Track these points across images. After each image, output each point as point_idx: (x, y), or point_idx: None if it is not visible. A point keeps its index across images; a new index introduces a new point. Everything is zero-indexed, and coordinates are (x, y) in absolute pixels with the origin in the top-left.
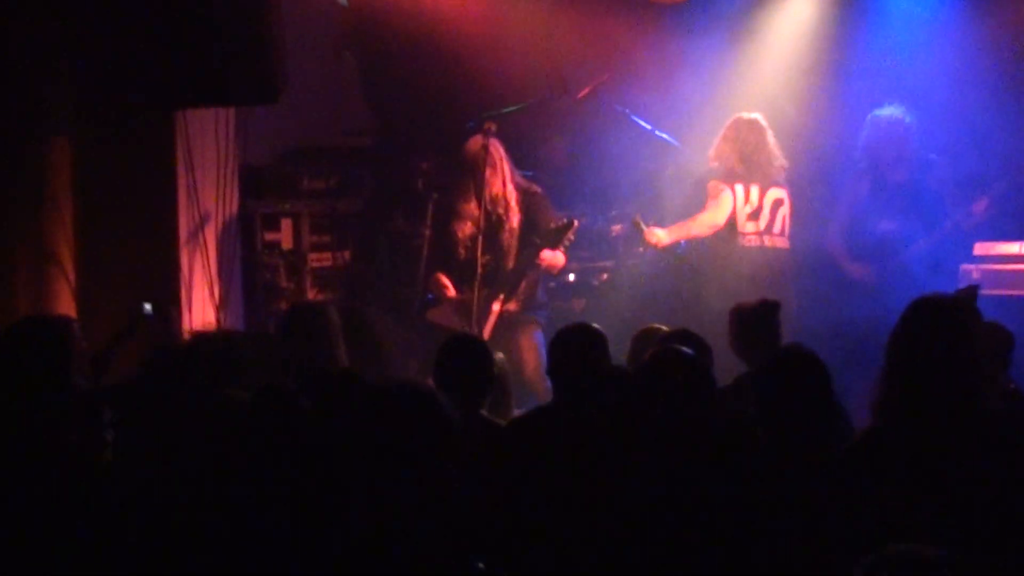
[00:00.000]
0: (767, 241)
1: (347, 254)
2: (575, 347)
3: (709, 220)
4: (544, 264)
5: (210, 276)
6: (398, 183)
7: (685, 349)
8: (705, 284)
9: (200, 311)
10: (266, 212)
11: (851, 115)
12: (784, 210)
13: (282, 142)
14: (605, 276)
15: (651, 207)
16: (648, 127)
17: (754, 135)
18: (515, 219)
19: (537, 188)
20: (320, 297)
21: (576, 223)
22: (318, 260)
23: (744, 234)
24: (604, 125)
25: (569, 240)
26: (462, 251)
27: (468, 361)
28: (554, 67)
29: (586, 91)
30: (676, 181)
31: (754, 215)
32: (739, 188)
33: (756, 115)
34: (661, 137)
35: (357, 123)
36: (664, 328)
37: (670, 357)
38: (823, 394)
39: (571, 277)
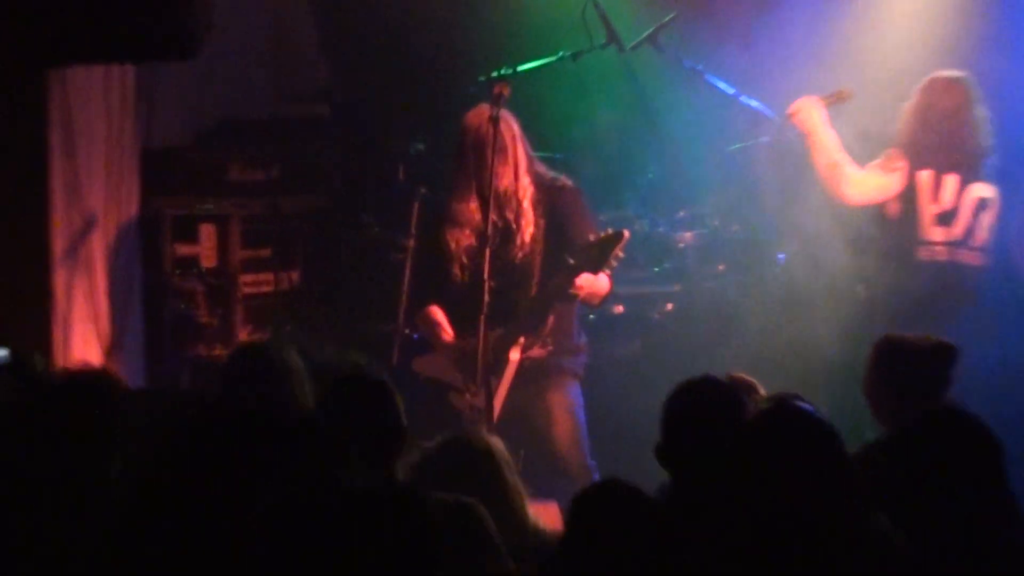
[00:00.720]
0: (960, 255)
1: (295, 275)
2: (706, 412)
3: (876, 182)
4: (581, 293)
5: (96, 307)
6: (369, 173)
7: (808, 407)
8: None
9: (82, 357)
10: (178, 215)
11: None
12: (988, 216)
13: (202, 115)
14: (669, 306)
15: (736, 206)
16: (731, 91)
17: (954, 102)
18: (530, 227)
19: (567, 181)
20: (261, 337)
21: (626, 234)
22: (254, 284)
23: (929, 243)
24: (668, 88)
25: (617, 258)
26: (459, 272)
27: (363, 410)
28: (596, 6)
29: (642, 39)
30: (773, 166)
31: (945, 217)
32: (925, 176)
33: (960, 74)
34: (749, 105)
35: (310, 86)
36: (755, 386)
37: (787, 426)
38: (994, 481)
39: (619, 308)
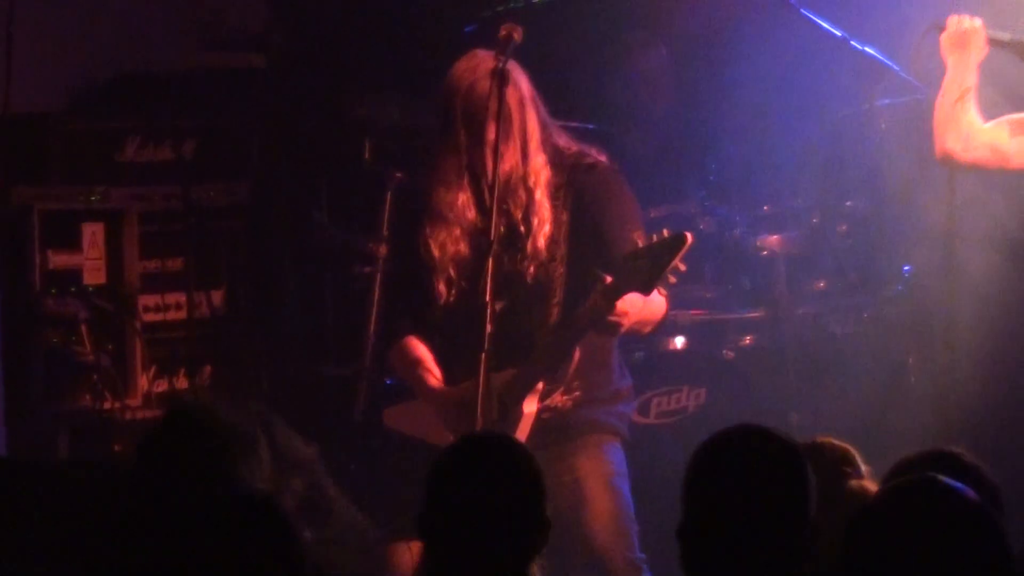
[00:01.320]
0: None
1: (216, 296)
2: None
3: (990, 138)
4: (625, 323)
5: None
6: (322, 151)
7: (957, 485)
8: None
9: None
10: (50, 211)
11: None
12: None
13: (84, 69)
14: (748, 340)
15: (844, 198)
16: (838, 33)
17: None
18: (546, 226)
19: (599, 157)
20: (166, 387)
21: (689, 238)
22: (159, 309)
23: None
24: (746, 31)
25: (676, 271)
26: (445, 290)
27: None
28: None
29: None
30: (898, 140)
31: None
32: None
33: None
34: (864, 53)
35: (239, 28)
36: (851, 455)
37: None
38: None
39: (678, 343)
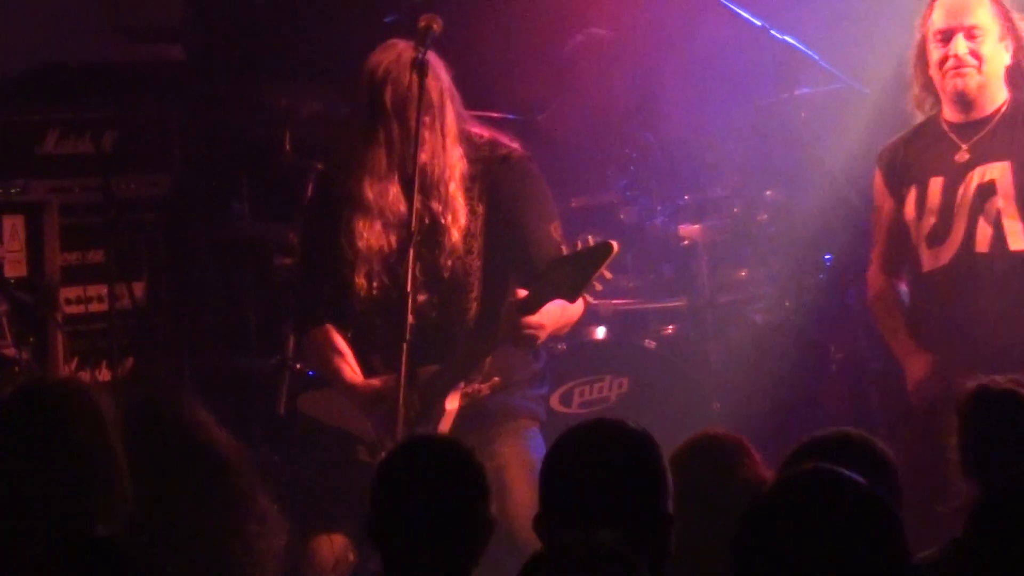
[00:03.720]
0: None
1: (138, 288)
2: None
3: None
4: (542, 336)
5: None
6: (242, 143)
7: (847, 474)
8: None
9: None
10: None
11: None
12: None
13: (0, 62)
14: (670, 329)
15: (765, 187)
16: (757, 23)
17: None
18: (461, 220)
19: (513, 147)
20: (86, 377)
21: (615, 247)
22: (80, 301)
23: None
24: (668, 20)
25: (602, 279)
26: (364, 283)
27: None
28: None
29: None
30: (819, 129)
31: None
32: None
33: None
34: (784, 42)
35: (157, 20)
36: (741, 444)
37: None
38: None
39: (598, 333)
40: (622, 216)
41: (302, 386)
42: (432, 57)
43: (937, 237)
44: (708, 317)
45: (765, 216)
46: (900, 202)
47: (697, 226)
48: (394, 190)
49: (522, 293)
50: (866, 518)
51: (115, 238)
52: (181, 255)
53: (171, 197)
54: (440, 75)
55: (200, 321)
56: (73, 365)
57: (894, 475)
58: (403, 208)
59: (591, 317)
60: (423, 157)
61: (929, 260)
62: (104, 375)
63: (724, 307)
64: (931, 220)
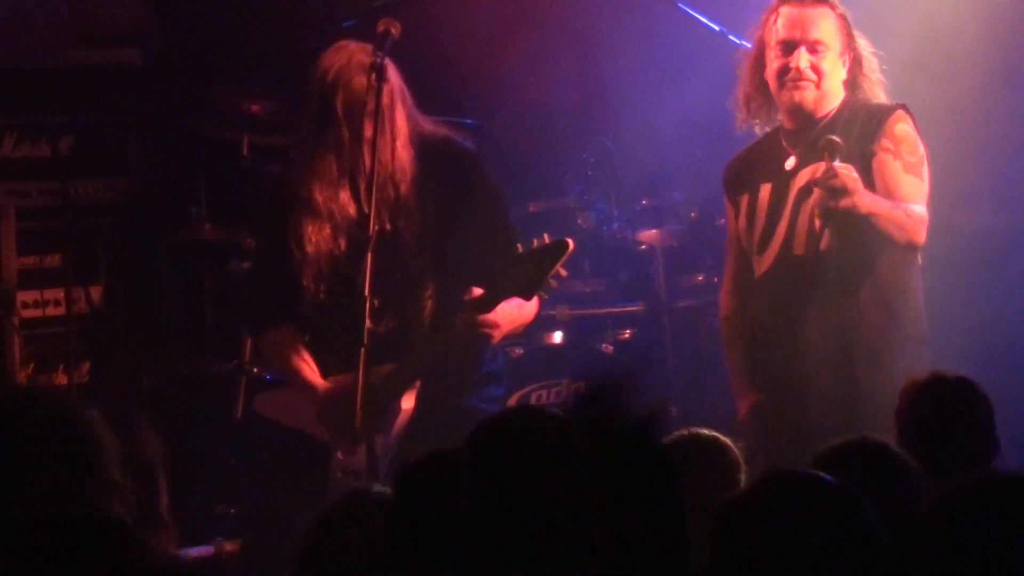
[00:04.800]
0: None
1: (95, 292)
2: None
3: (923, 207)
4: (497, 335)
5: None
6: (199, 147)
7: (826, 478)
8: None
9: None
10: None
11: None
12: None
13: None
14: (627, 334)
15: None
16: (716, 27)
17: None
18: (414, 222)
19: (462, 144)
20: (45, 382)
21: (571, 245)
22: (37, 305)
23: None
24: (625, 24)
25: (558, 277)
26: (312, 285)
27: None
28: None
29: None
30: None
31: None
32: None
33: None
34: (743, 47)
35: (115, 24)
36: (718, 439)
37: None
38: None
39: (555, 338)
40: (579, 221)
41: (259, 390)
42: (391, 65)
43: (763, 243)
44: (665, 322)
45: (722, 221)
46: (736, 212)
47: (654, 231)
48: (344, 194)
49: (477, 291)
50: (837, 517)
51: (72, 242)
52: (138, 259)
53: (128, 201)
54: (390, 76)
55: (157, 325)
56: (30, 369)
57: (914, 480)
58: (352, 211)
59: (549, 322)
60: (381, 157)
61: (758, 266)
62: (61, 379)
63: (681, 312)
64: (759, 226)
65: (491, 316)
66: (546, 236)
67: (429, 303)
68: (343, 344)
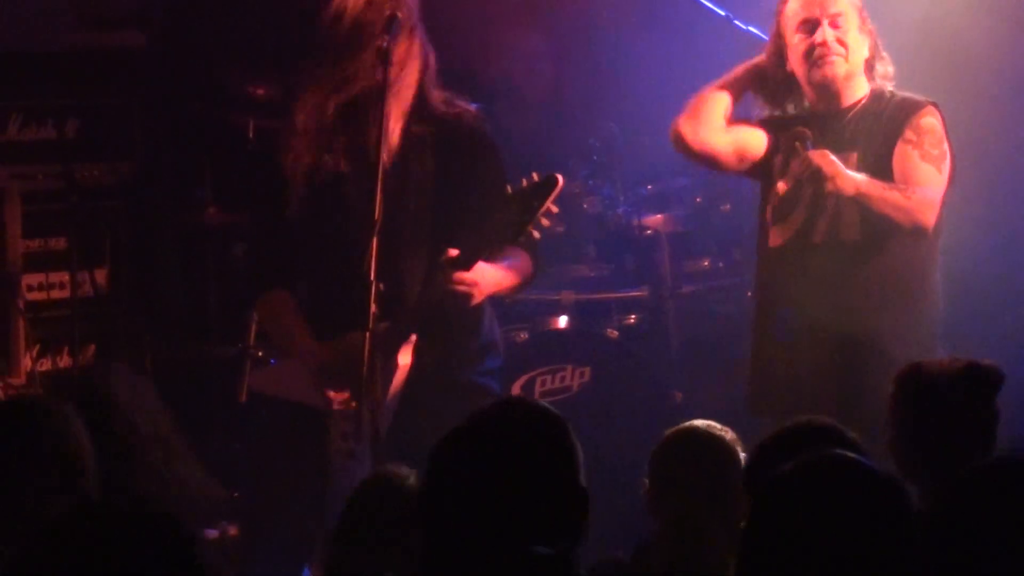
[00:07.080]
0: None
1: (100, 275)
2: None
3: (933, 191)
4: (476, 293)
5: None
6: (205, 130)
7: (862, 459)
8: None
9: None
10: None
11: None
12: None
13: None
14: (632, 319)
15: (727, 177)
16: (721, 12)
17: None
18: (413, 188)
19: (468, 107)
20: (49, 366)
21: (560, 180)
22: (42, 288)
23: None
24: (635, 6)
25: (550, 213)
26: (296, 206)
27: None
28: None
29: None
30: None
31: None
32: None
33: None
34: (748, 32)
35: (115, 4)
36: (717, 431)
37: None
38: None
39: (561, 323)
40: (585, 206)
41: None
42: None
43: (780, 216)
44: (670, 307)
45: (727, 206)
46: (774, 150)
47: (659, 216)
48: (331, 110)
49: (453, 252)
50: (880, 503)
51: (77, 225)
52: (143, 242)
53: (134, 184)
54: (412, 10)
55: (162, 308)
56: (35, 352)
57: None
58: (345, 166)
59: (553, 307)
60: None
61: (774, 236)
62: (65, 362)
63: (686, 297)
64: (779, 196)
65: (469, 275)
66: (535, 174)
67: (425, 261)
68: (339, 304)
